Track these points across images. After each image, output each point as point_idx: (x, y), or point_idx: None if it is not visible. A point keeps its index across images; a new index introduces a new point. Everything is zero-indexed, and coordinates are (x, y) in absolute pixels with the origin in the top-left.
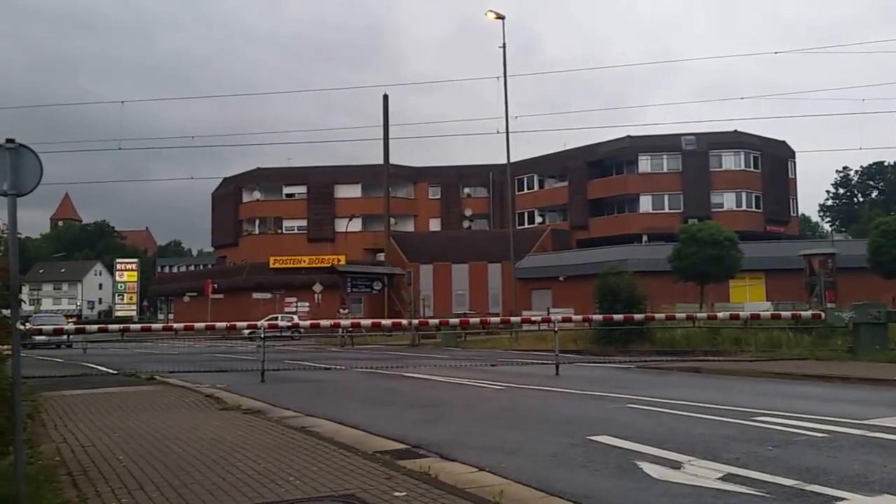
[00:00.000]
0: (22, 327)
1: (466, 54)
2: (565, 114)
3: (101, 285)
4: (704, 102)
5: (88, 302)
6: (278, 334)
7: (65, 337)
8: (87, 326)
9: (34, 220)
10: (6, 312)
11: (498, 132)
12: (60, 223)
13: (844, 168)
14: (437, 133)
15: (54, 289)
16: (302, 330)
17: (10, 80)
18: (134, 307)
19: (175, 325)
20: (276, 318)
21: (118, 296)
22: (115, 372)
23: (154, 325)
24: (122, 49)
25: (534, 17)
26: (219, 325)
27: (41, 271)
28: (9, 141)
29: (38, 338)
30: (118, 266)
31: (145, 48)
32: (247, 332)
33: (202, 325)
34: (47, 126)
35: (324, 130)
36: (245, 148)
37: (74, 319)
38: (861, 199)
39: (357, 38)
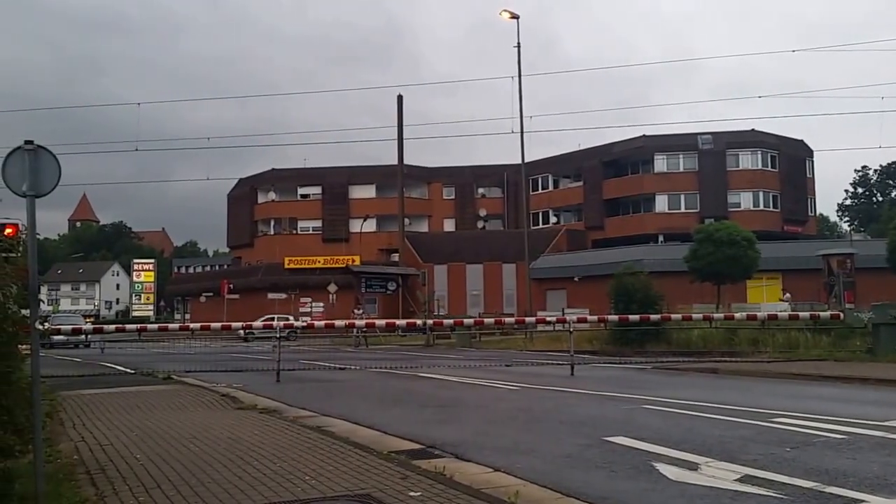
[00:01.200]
0: (41, 327)
1: (487, 54)
2: (582, 113)
3: (118, 286)
4: (723, 101)
5: (106, 302)
6: (270, 335)
7: (83, 337)
8: (105, 326)
9: (52, 221)
10: (25, 312)
11: (512, 132)
12: (78, 224)
13: (863, 167)
14: (457, 133)
15: (72, 289)
16: (298, 331)
17: (35, 82)
18: (151, 307)
19: (191, 325)
20: (273, 319)
21: (135, 296)
22: (133, 371)
23: (171, 325)
24: (146, 51)
25: (554, 16)
26: (235, 325)
27: (59, 272)
28: (27, 143)
29: (56, 337)
30: (135, 266)
31: (169, 50)
32: (242, 332)
33: (218, 325)
34: (69, 127)
35: (343, 131)
36: (265, 149)
37: (92, 319)
38: (880, 199)
39: (377, 39)
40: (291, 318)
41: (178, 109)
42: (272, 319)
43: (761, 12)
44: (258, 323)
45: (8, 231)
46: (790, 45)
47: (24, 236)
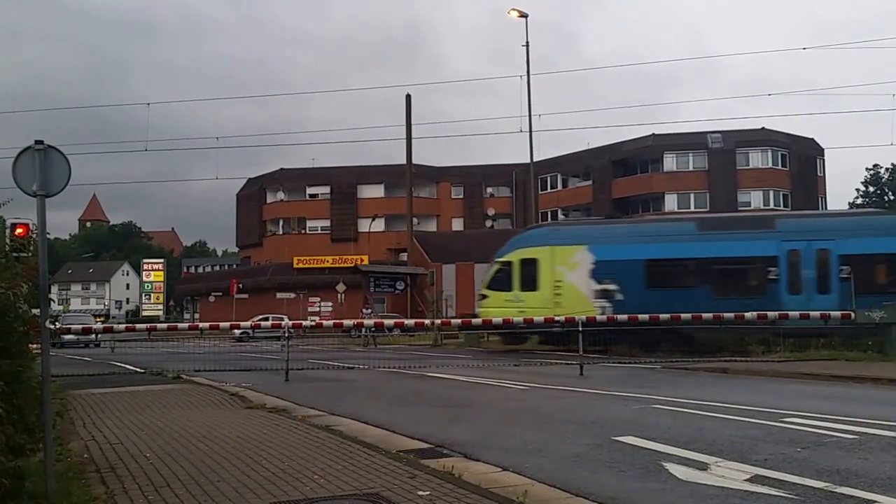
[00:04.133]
0: (51, 326)
1: (508, 52)
2: (597, 111)
3: (128, 285)
4: (736, 100)
5: (116, 302)
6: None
7: (93, 336)
8: (115, 326)
9: (63, 221)
10: (36, 312)
11: (521, 131)
12: (89, 224)
13: (875, 165)
14: (473, 132)
15: (83, 289)
16: (294, 332)
17: (64, 83)
18: (160, 307)
19: (200, 325)
20: (268, 319)
21: (145, 296)
22: (142, 370)
23: (180, 325)
24: (174, 52)
25: (573, 15)
26: (243, 324)
27: (70, 271)
28: (37, 142)
29: (66, 337)
30: (145, 266)
31: (195, 51)
32: (238, 332)
33: (227, 324)
34: (90, 128)
35: (357, 130)
36: (280, 149)
37: (102, 319)
38: (892, 197)
39: (399, 38)
40: (286, 317)
41: (198, 109)
42: (266, 319)
43: (779, 11)
44: (267, 323)
45: (19, 231)
46: (806, 43)
47: (34, 236)
